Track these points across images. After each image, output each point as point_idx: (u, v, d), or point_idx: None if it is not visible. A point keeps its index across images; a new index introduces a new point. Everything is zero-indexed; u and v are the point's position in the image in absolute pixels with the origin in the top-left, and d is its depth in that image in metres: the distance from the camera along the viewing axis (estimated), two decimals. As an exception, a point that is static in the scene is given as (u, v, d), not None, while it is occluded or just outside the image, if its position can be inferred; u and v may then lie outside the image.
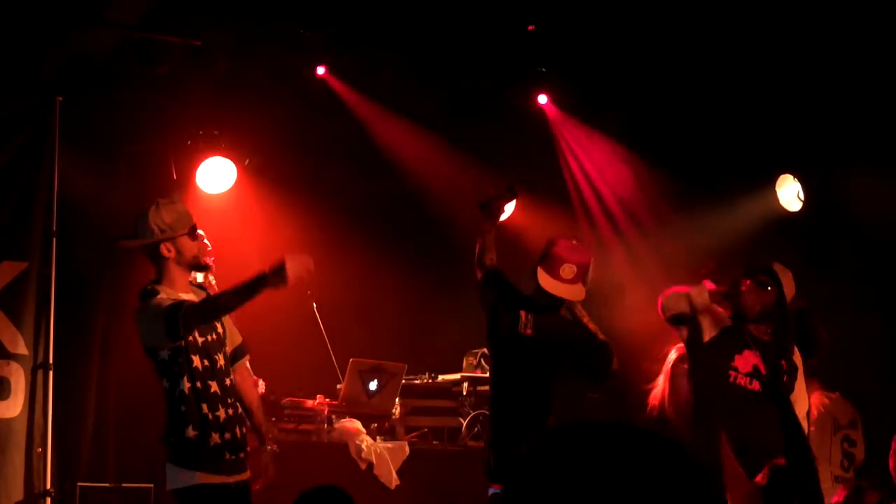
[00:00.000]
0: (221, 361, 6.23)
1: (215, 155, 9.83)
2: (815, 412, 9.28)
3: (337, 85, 10.22)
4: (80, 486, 8.74)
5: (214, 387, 6.13)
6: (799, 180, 10.46)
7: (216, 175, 9.89)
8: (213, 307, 6.07)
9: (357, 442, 8.31)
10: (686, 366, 8.17)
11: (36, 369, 8.48)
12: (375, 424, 8.64)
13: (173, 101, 9.61)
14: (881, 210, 10.06)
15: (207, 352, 6.13)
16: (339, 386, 8.75)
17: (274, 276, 5.76)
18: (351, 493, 7.99)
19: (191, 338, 6.02)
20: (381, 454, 8.27)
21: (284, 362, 9.65)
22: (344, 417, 8.53)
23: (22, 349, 8.50)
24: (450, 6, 9.59)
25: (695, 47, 9.86)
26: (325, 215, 10.44)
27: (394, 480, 8.21)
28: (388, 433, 8.72)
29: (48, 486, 8.32)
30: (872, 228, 10.22)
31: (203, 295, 6.30)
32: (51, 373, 8.45)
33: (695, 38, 9.78)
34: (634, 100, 10.27)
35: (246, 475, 6.23)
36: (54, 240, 8.61)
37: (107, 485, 8.89)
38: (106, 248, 9.46)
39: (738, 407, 7.34)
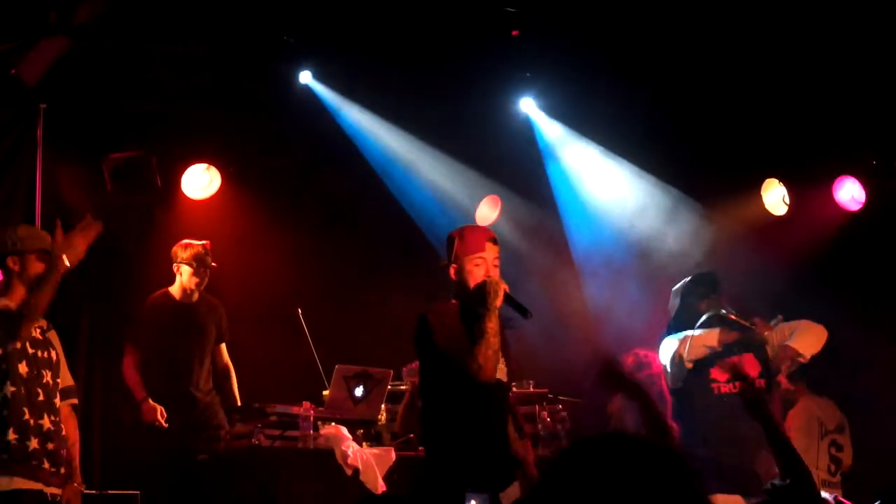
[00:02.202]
0: (49, 378, 6.46)
1: (200, 162, 9.82)
2: (802, 417, 9.30)
3: (322, 91, 10.21)
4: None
5: (41, 395, 6.36)
6: (784, 184, 10.49)
7: (201, 182, 9.88)
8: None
9: (343, 448, 8.29)
10: (643, 373, 8.27)
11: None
12: (361, 430, 8.62)
13: (157, 108, 9.59)
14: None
15: (36, 363, 6.40)
16: (324, 392, 8.73)
17: None
18: (337, 499, 7.99)
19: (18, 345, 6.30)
20: (368, 460, 8.24)
21: (270, 369, 9.63)
22: (330, 423, 8.50)
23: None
24: (435, 12, 9.59)
25: (681, 52, 9.87)
26: (310, 221, 10.43)
27: (380, 486, 8.18)
28: (374, 439, 8.70)
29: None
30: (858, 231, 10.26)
31: (44, 322, 6.67)
32: (35, 381, 8.41)
33: (681, 44, 9.79)
34: (620, 105, 10.27)
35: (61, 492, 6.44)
36: (38, 248, 8.57)
37: (92, 492, 8.85)
38: (90, 255, 9.43)
39: (728, 412, 7.39)
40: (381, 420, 8.81)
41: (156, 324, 9.08)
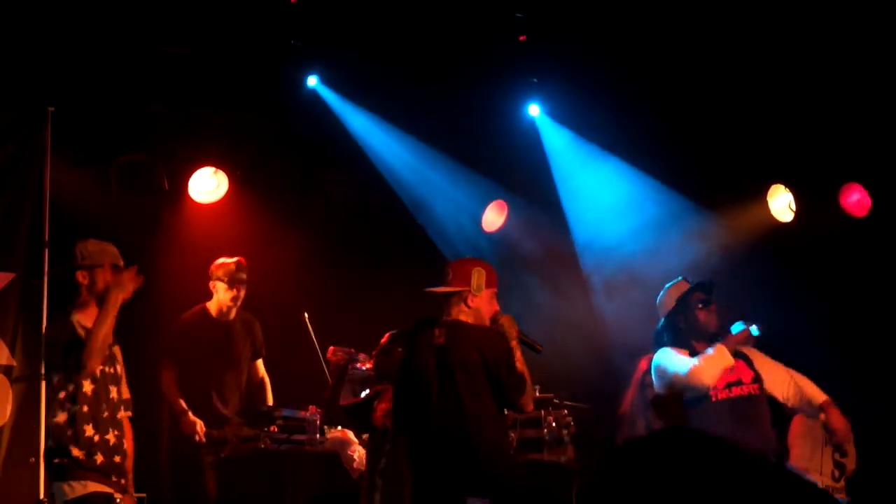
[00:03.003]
0: (115, 394, 6.64)
1: (207, 165, 9.83)
2: (806, 423, 9.30)
3: (328, 95, 10.23)
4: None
5: (106, 411, 6.54)
6: (790, 190, 10.49)
7: (208, 185, 9.89)
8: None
9: (349, 451, 8.31)
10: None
11: (25, 380, 8.46)
12: (367, 434, 8.63)
13: (165, 111, 9.61)
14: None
15: (103, 380, 6.59)
16: (363, 393, 8.74)
17: None
18: (343, 502, 8.01)
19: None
20: (374, 464, 8.25)
21: (276, 372, 9.64)
22: (336, 427, 8.52)
23: (7, 360, 8.47)
24: (442, 17, 9.60)
25: (688, 58, 9.87)
26: (318, 225, 10.45)
27: (385, 490, 8.20)
28: (380, 443, 8.71)
29: (41, 495, 8.30)
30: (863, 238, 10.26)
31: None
32: (43, 383, 8.42)
33: (688, 50, 9.79)
34: (626, 111, 10.28)
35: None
36: (46, 250, 8.59)
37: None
38: (65, 260, 9.45)
39: (726, 418, 7.39)
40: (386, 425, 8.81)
41: (192, 340, 9.10)
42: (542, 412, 9.00)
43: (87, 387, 6.43)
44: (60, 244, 8.71)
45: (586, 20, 9.71)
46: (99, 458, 6.36)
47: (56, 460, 6.40)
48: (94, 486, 6.34)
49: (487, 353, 6.82)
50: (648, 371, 8.56)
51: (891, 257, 10.31)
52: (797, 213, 10.46)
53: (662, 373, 7.60)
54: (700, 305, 7.72)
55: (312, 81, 10.15)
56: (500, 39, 9.92)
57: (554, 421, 8.93)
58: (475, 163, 10.87)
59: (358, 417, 7.80)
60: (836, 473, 9.44)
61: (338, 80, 10.25)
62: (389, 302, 10.42)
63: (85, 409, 6.43)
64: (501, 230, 11.13)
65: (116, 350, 6.77)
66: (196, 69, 9.49)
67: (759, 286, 9.69)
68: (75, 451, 6.33)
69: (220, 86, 9.65)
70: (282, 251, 10.07)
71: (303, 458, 8.23)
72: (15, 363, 8.43)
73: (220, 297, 9.17)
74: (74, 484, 6.35)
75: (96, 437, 6.37)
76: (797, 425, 9.23)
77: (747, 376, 7.69)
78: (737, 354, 7.68)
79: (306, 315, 9.17)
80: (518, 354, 6.86)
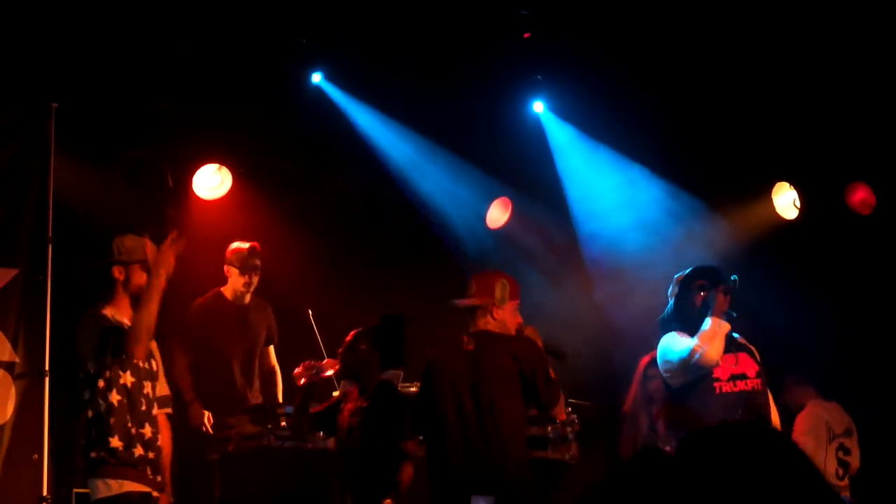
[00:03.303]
0: (150, 389, 6.60)
1: (211, 162, 9.83)
2: (810, 421, 9.30)
3: (333, 92, 10.22)
4: (76, 493, 8.73)
5: (144, 405, 6.50)
6: (795, 188, 10.48)
7: (212, 182, 9.89)
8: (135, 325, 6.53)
9: (353, 448, 8.30)
10: (657, 369, 8.36)
11: (28, 376, 8.46)
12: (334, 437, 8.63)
13: (170, 108, 9.61)
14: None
15: (139, 374, 6.54)
16: (334, 393, 8.74)
17: None
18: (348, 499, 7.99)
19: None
20: (377, 461, 8.25)
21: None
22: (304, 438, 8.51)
23: (10, 356, 8.48)
24: (446, 14, 9.59)
25: (692, 55, 9.87)
26: (322, 222, 10.44)
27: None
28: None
29: (45, 492, 8.31)
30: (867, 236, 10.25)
31: None
32: (47, 379, 8.43)
33: (693, 47, 9.79)
34: (630, 108, 10.27)
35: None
36: (50, 246, 8.59)
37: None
38: (102, 254, 9.45)
39: (731, 413, 7.38)
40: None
41: (207, 324, 9.13)
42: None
43: (127, 378, 6.38)
44: (64, 240, 8.73)
45: (591, 17, 9.71)
46: (137, 451, 6.33)
47: (93, 454, 6.32)
48: (130, 486, 6.29)
49: (524, 360, 6.99)
50: (650, 367, 8.58)
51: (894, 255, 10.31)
52: (801, 211, 10.45)
53: (667, 358, 7.58)
54: (700, 292, 7.70)
55: (317, 78, 10.14)
56: (504, 36, 9.91)
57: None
58: (479, 160, 10.86)
59: (326, 422, 7.82)
60: (840, 472, 9.45)
61: (342, 77, 10.25)
62: (393, 298, 10.43)
63: (124, 400, 6.40)
64: (505, 227, 11.13)
65: (153, 346, 6.74)
66: (200, 66, 9.49)
67: (762, 284, 9.67)
68: (114, 442, 6.26)
69: (224, 82, 9.65)
70: (285, 248, 10.07)
71: (306, 455, 8.22)
72: (17, 360, 8.44)
73: (234, 281, 9.24)
74: (111, 482, 6.29)
75: (133, 430, 6.34)
76: (801, 423, 9.24)
77: (752, 370, 7.66)
78: (741, 348, 7.66)
79: (310, 312, 9.17)
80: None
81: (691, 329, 7.53)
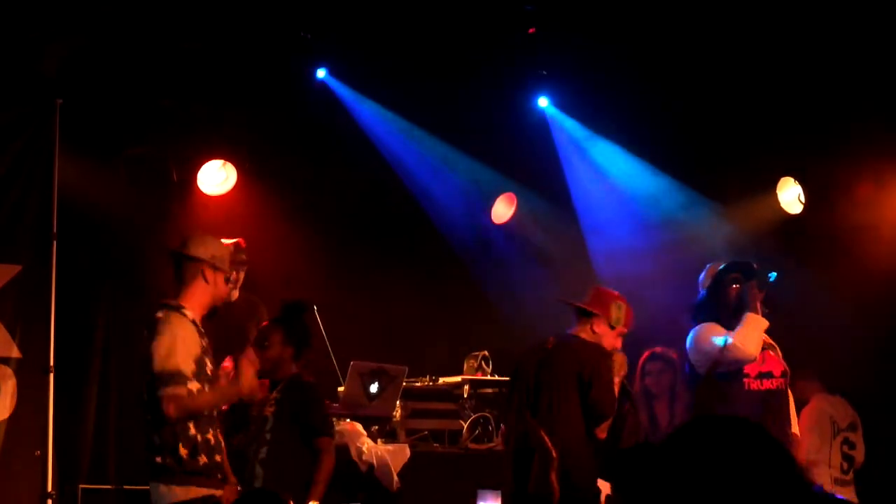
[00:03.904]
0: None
1: (216, 157, 9.84)
2: (815, 415, 9.30)
3: (338, 87, 10.23)
4: (82, 489, 8.76)
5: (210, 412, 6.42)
6: (800, 183, 10.46)
7: (217, 177, 9.89)
8: (193, 416, 6.30)
9: (358, 444, 8.31)
10: (655, 364, 8.42)
11: (31, 372, 8.48)
12: (376, 427, 8.63)
13: (174, 104, 9.61)
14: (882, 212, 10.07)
15: (212, 380, 6.42)
16: (339, 388, 8.75)
17: None
18: (352, 495, 8.01)
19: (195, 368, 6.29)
20: (382, 457, 8.26)
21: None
22: (345, 420, 8.52)
23: (14, 352, 8.50)
24: (451, 10, 9.59)
25: (696, 50, 9.86)
26: (327, 218, 10.44)
27: (395, 483, 8.21)
28: (389, 436, 8.71)
29: (49, 488, 8.32)
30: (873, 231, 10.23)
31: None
32: (51, 375, 8.45)
33: (697, 41, 9.78)
34: (635, 103, 10.27)
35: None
36: (54, 242, 8.60)
37: (108, 487, 8.90)
38: (106, 250, 9.47)
39: (757, 410, 7.42)
40: (396, 417, 8.83)
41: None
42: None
43: (193, 385, 6.32)
44: (68, 236, 8.75)
45: (596, 12, 9.71)
46: (202, 459, 6.27)
47: (158, 459, 6.27)
48: (196, 491, 6.23)
49: (585, 361, 7.22)
50: (647, 363, 8.62)
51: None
52: (806, 206, 10.43)
53: (700, 347, 7.58)
54: (734, 284, 7.72)
55: (321, 74, 10.15)
56: (509, 31, 9.91)
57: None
58: (484, 155, 10.86)
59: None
60: (845, 466, 9.45)
61: (347, 73, 10.25)
62: (398, 294, 10.44)
63: None
64: (510, 222, 11.12)
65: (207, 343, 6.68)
66: (205, 62, 9.49)
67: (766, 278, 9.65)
68: (181, 450, 6.21)
69: (228, 78, 9.65)
70: (290, 243, 10.08)
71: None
72: (21, 356, 8.46)
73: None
74: (176, 489, 6.23)
75: (199, 437, 6.28)
76: (806, 418, 9.23)
77: (778, 369, 7.69)
78: (768, 346, 7.69)
79: (315, 308, 9.17)
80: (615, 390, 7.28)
81: (722, 321, 7.55)
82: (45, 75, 8.87)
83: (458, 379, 9.17)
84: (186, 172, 9.78)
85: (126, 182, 9.47)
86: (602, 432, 7.34)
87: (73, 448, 9.00)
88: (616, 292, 7.69)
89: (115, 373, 9.34)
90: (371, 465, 8.22)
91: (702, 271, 8.05)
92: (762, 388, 7.52)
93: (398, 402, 8.84)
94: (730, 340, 7.34)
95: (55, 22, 8.81)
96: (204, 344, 6.37)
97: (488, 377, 9.19)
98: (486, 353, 9.31)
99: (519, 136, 10.82)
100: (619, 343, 7.50)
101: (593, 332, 7.41)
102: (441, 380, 9.22)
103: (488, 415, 8.87)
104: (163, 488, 6.22)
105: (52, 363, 8.45)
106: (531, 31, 9.92)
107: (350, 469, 8.16)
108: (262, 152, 10.14)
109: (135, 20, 9.03)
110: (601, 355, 7.30)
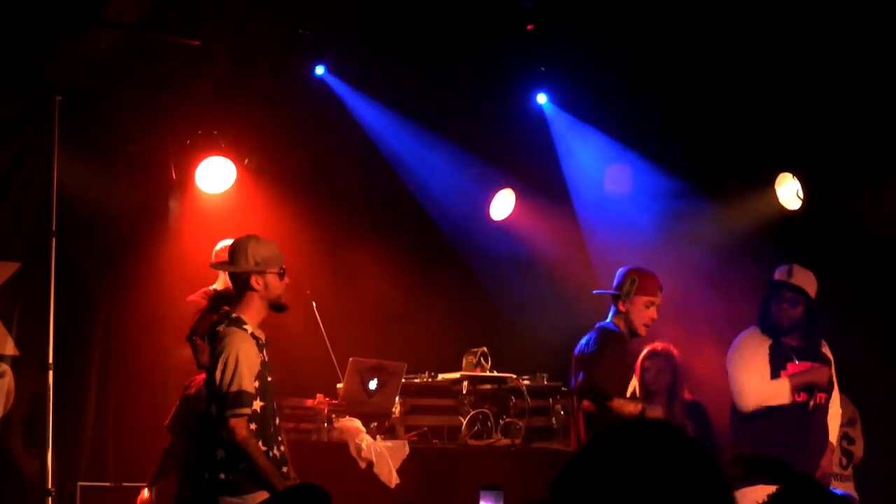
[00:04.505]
0: (276, 401, 6.56)
1: (215, 154, 9.83)
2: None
3: (337, 84, 10.23)
4: (81, 486, 8.76)
5: (272, 427, 6.44)
6: (798, 178, 10.46)
7: (215, 175, 9.89)
8: (246, 457, 6.27)
9: (357, 441, 8.32)
10: (654, 362, 8.49)
11: (30, 370, 8.49)
12: (375, 423, 8.64)
13: (173, 101, 9.62)
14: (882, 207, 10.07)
15: (270, 393, 6.46)
16: (338, 385, 8.76)
17: None
18: (351, 491, 8.01)
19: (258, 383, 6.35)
20: (381, 453, 8.27)
21: (283, 361, 9.65)
22: (344, 416, 8.53)
23: (11, 350, 8.51)
24: (450, 6, 9.60)
25: (694, 45, 9.86)
26: (325, 214, 10.44)
27: (394, 479, 8.22)
28: (388, 432, 8.73)
29: (49, 485, 8.33)
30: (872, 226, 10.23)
31: (262, 333, 6.57)
32: (50, 373, 8.45)
33: (694, 37, 9.78)
34: (633, 99, 10.27)
35: None
36: (53, 240, 8.61)
37: (107, 484, 8.90)
38: (105, 247, 9.47)
39: (786, 419, 7.51)
40: (395, 413, 8.84)
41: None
42: (551, 400, 9.03)
43: (257, 404, 6.35)
44: (67, 233, 8.75)
45: (594, 8, 9.71)
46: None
47: (222, 475, 6.27)
48: (262, 495, 6.24)
49: (591, 345, 7.51)
50: (647, 359, 8.65)
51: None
52: (805, 202, 10.43)
53: (731, 373, 7.88)
54: (782, 300, 7.89)
55: (320, 70, 10.15)
56: (507, 28, 9.92)
57: (562, 409, 8.95)
58: (483, 151, 10.87)
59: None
60: (844, 461, 9.46)
61: (346, 69, 10.25)
62: (397, 290, 10.45)
63: (254, 426, 6.31)
64: (509, 219, 11.13)
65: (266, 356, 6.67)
66: (204, 58, 9.49)
67: (766, 275, 9.66)
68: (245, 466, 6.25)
69: (228, 75, 9.65)
70: (289, 240, 10.06)
71: (310, 448, 8.23)
72: (19, 353, 8.47)
73: (227, 279, 9.17)
74: (245, 497, 6.26)
75: (268, 453, 6.31)
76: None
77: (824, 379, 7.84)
78: (821, 358, 7.82)
79: (314, 304, 9.18)
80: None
81: (771, 332, 7.75)
82: (44, 72, 8.87)
83: (456, 375, 9.18)
84: (185, 169, 9.78)
85: (125, 179, 9.47)
86: (619, 408, 7.38)
87: (72, 445, 9.00)
88: (635, 267, 7.78)
89: (114, 370, 9.35)
90: (370, 462, 8.24)
91: (700, 268, 8.13)
92: (798, 400, 7.66)
93: (397, 399, 8.86)
94: (745, 391, 7.70)
95: (54, 19, 8.81)
96: (264, 358, 6.45)
97: (487, 373, 9.21)
98: (484, 349, 9.31)
99: (517, 133, 10.83)
100: (652, 314, 7.60)
101: (621, 311, 7.56)
102: (440, 376, 9.23)
103: (487, 411, 8.89)
104: (229, 499, 6.24)
105: (50, 360, 8.46)
106: (529, 27, 9.93)
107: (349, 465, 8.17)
108: (262, 149, 10.14)
109: (132, 17, 9.03)
110: (606, 336, 7.41)
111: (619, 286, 7.62)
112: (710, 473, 2.31)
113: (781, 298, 7.95)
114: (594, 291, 7.90)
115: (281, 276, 6.58)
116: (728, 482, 2.33)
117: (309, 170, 10.53)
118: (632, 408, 7.35)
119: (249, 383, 6.26)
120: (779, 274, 8.04)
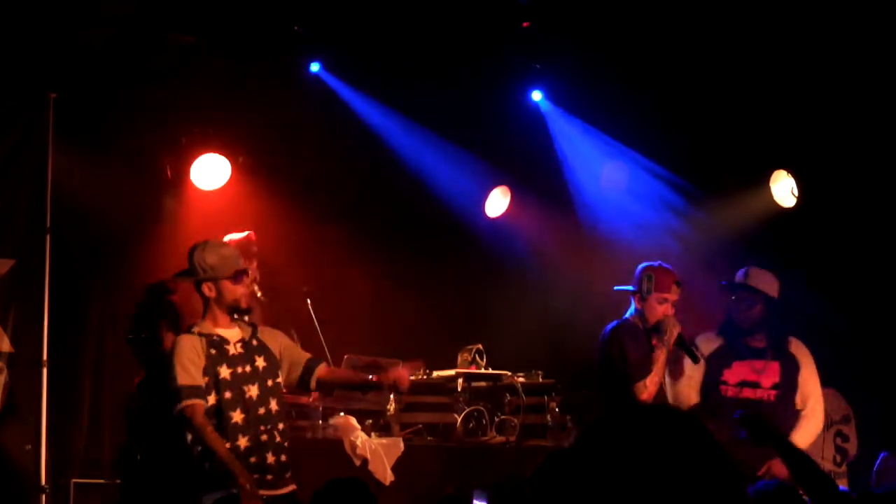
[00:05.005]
0: (253, 392, 6.40)
1: (209, 152, 9.83)
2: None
3: (332, 81, 10.22)
4: (75, 483, 8.76)
5: (236, 417, 6.35)
6: (793, 176, 10.47)
7: (210, 172, 9.88)
8: (200, 441, 6.26)
9: (352, 438, 8.32)
10: None
11: (24, 367, 8.48)
12: (370, 420, 8.64)
13: (167, 98, 9.61)
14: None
15: (235, 385, 6.37)
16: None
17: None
18: (350, 488, 7.99)
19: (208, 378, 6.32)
20: (376, 450, 8.26)
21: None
22: (338, 413, 8.53)
23: (6, 347, 8.50)
24: (444, 3, 9.60)
25: (690, 43, 9.86)
26: (320, 212, 10.43)
27: (388, 476, 8.21)
28: (383, 429, 8.72)
29: (43, 482, 8.32)
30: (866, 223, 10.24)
31: (248, 330, 6.54)
32: (44, 370, 8.44)
33: (689, 35, 9.78)
34: (629, 96, 10.27)
35: (281, 491, 6.46)
36: (48, 236, 8.60)
37: (101, 481, 8.89)
38: (100, 244, 9.47)
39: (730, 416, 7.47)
40: (390, 410, 8.83)
41: None
42: (546, 398, 9.03)
43: (210, 398, 6.35)
44: (62, 230, 8.74)
45: (590, 5, 9.71)
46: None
47: (191, 472, 6.29)
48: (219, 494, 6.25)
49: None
50: None
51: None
52: (799, 199, 10.44)
53: None
54: (739, 301, 7.92)
55: (315, 67, 10.14)
56: (503, 25, 9.91)
57: (557, 406, 8.95)
58: (479, 148, 10.86)
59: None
60: (838, 458, 9.48)
61: (341, 67, 10.24)
62: (392, 287, 10.45)
63: (214, 422, 6.34)
64: (504, 216, 11.12)
65: (263, 336, 6.63)
66: (198, 55, 9.49)
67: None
68: (205, 463, 6.26)
69: (222, 72, 9.65)
70: (283, 237, 10.07)
71: (305, 445, 8.22)
72: (13, 349, 8.46)
73: None
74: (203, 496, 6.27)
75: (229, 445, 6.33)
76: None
77: (769, 381, 7.76)
78: (786, 357, 7.79)
79: (309, 301, 9.18)
80: (662, 356, 7.42)
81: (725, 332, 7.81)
82: (38, 69, 8.86)
83: (452, 372, 9.17)
84: (180, 166, 9.78)
85: (120, 176, 9.46)
86: (640, 394, 7.41)
87: (66, 442, 9.00)
88: (651, 263, 7.80)
89: (109, 367, 9.35)
90: (365, 459, 8.23)
91: (694, 266, 8.14)
92: (739, 395, 7.62)
93: (392, 396, 8.85)
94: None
95: (49, 15, 8.80)
96: (222, 352, 6.39)
97: (482, 371, 9.20)
98: (479, 346, 9.30)
99: (513, 130, 10.83)
100: (665, 310, 7.62)
101: (637, 307, 7.64)
102: (435, 373, 9.22)
103: (482, 408, 8.88)
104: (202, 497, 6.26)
105: (45, 357, 8.45)
106: (525, 24, 9.93)
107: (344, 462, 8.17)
108: (256, 146, 10.14)
109: (129, 13, 9.02)
110: (613, 329, 7.48)
111: (638, 283, 7.67)
112: (714, 457, 2.29)
113: (739, 300, 7.97)
114: (615, 288, 7.91)
115: (235, 279, 6.47)
116: (739, 472, 2.32)
117: (304, 167, 10.52)
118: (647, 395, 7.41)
119: (185, 378, 6.24)
120: (737, 276, 8.05)
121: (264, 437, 6.43)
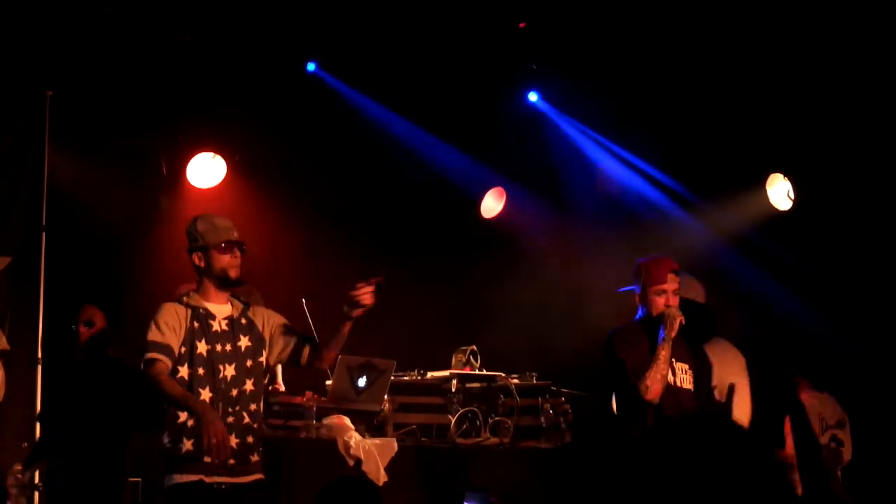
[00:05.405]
0: (228, 372, 6.28)
1: (205, 150, 9.83)
2: (803, 411, 9.31)
3: (329, 80, 10.23)
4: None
5: (204, 395, 6.19)
6: (789, 179, 10.48)
7: (206, 170, 9.89)
8: (158, 391, 6.15)
9: (345, 438, 8.31)
10: None
11: (19, 364, 8.47)
12: (364, 421, 8.64)
13: (164, 97, 9.61)
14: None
15: (209, 362, 6.22)
16: (327, 382, 8.74)
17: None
18: (348, 487, 7.99)
19: (185, 349, 6.19)
20: (370, 451, 8.25)
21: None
22: (332, 414, 8.52)
23: (1, 344, 8.49)
24: (441, 3, 9.60)
25: (686, 46, 9.87)
26: (315, 211, 10.44)
27: (382, 477, 8.20)
28: (377, 430, 8.72)
29: (36, 480, 8.32)
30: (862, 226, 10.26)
31: (239, 308, 6.43)
32: (39, 367, 8.44)
33: (686, 37, 9.79)
34: (625, 98, 10.28)
35: (244, 479, 6.25)
36: (43, 234, 8.60)
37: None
38: (96, 242, 9.46)
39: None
40: (384, 411, 8.83)
41: None
42: (540, 399, 9.02)
43: (183, 370, 6.27)
44: (58, 228, 8.75)
45: (585, 7, 9.71)
46: (185, 446, 6.16)
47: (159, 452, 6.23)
48: (179, 478, 6.15)
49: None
50: None
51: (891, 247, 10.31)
52: (795, 202, 10.45)
53: None
54: None
55: (312, 67, 10.14)
56: (499, 26, 9.92)
57: (551, 408, 8.95)
58: (474, 149, 10.87)
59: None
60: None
61: (337, 66, 10.25)
62: (387, 288, 10.43)
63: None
64: (499, 216, 11.13)
65: (253, 315, 6.48)
66: (195, 54, 9.49)
67: (756, 275, 9.69)
68: (165, 439, 6.18)
69: (218, 71, 9.65)
70: (279, 236, 10.08)
71: (298, 445, 8.22)
72: (8, 347, 8.45)
73: None
74: (169, 476, 6.20)
75: (189, 423, 6.17)
76: (793, 415, 9.25)
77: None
78: (699, 358, 7.76)
79: (304, 300, 9.17)
80: (662, 351, 7.09)
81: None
82: (35, 68, 8.86)
83: (446, 373, 9.17)
84: (176, 165, 9.78)
85: (116, 174, 9.47)
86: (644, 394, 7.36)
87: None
88: (644, 259, 7.71)
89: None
90: (358, 460, 8.22)
91: (689, 268, 8.08)
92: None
93: (386, 397, 8.84)
94: None
95: (46, 14, 8.80)
96: (204, 326, 6.26)
97: (476, 372, 9.20)
98: (474, 347, 9.30)
99: (508, 131, 10.84)
100: (667, 300, 7.28)
101: (638, 304, 7.46)
102: (429, 374, 9.22)
103: (476, 409, 8.87)
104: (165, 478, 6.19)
105: (39, 355, 8.45)
106: (522, 25, 9.93)
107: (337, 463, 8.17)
108: (253, 145, 10.14)
109: (125, 12, 9.02)
110: (610, 334, 7.41)
111: (634, 281, 7.59)
112: (763, 465, 2.31)
113: None
114: (618, 290, 7.83)
115: (224, 249, 6.38)
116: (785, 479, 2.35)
117: (299, 166, 10.53)
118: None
119: (156, 335, 6.14)
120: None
121: (231, 418, 6.22)
